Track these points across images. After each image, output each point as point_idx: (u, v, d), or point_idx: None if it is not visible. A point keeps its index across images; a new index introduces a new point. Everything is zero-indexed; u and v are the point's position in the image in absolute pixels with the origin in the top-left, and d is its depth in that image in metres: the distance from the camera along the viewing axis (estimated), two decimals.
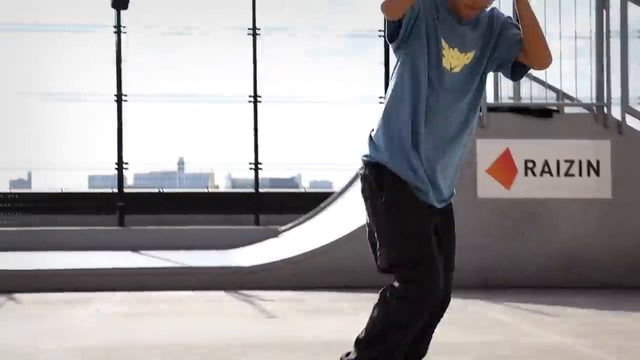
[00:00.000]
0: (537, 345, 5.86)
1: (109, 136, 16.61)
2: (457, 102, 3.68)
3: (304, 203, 14.17)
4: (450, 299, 3.90)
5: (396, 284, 3.59)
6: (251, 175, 16.79)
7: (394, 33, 3.60)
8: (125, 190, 17.17)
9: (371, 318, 3.66)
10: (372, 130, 3.79)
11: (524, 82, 10.79)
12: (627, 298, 8.58)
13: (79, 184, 18.19)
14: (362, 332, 3.67)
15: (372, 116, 3.98)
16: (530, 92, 10.72)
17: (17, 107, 17.21)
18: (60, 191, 17.92)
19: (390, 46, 3.72)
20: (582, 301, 8.30)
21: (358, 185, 3.93)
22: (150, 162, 17.19)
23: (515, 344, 5.93)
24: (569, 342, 6.00)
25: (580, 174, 9.93)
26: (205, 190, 17.58)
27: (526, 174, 9.92)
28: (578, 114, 10.54)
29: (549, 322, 7.00)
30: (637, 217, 9.81)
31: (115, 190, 16.37)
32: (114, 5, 16.13)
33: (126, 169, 16.74)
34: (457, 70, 3.67)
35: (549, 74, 10.26)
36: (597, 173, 9.90)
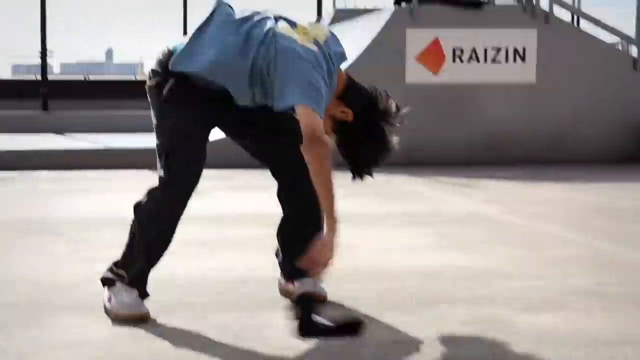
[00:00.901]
0: (455, 213, 6.06)
1: (35, 24, 16.19)
2: None
3: None
4: (306, 208, 3.51)
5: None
6: None
7: None
8: (50, 77, 16.82)
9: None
10: None
11: None
12: (543, 171, 8.88)
13: (1, 73, 17.66)
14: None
15: None
16: None
17: None
18: None
19: None
20: (502, 175, 8.55)
21: None
22: (78, 50, 16.79)
23: (434, 212, 6.11)
24: (484, 209, 6.21)
25: (507, 61, 10.09)
26: (133, 78, 17.25)
27: (454, 61, 10.04)
28: (507, 5, 10.66)
29: (468, 193, 7.22)
30: (557, 101, 10.11)
31: (40, 77, 16.02)
32: None
33: (50, 56, 16.36)
34: None
35: None
36: (523, 59, 10.08)
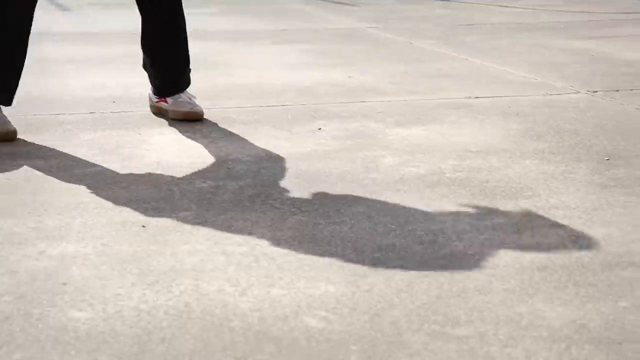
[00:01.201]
0: (335, 30, 6.05)
1: None
2: None
3: None
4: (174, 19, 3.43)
5: None
6: None
7: None
8: None
9: None
10: None
11: None
12: None
13: None
14: None
15: None
16: None
17: None
18: None
19: None
20: None
21: None
22: None
23: (314, 29, 6.08)
24: (364, 27, 6.22)
25: None
26: None
27: None
28: None
29: (348, 10, 7.19)
30: None
31: None
32: None
33: None
34: None
35: None
36: None
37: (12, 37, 3.10)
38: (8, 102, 3.18)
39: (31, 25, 3.12)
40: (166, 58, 3.38)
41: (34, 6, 3.10)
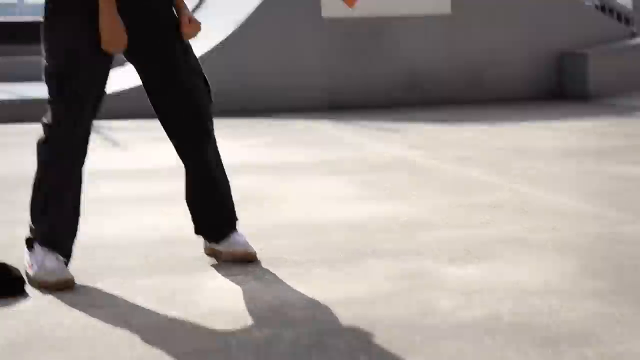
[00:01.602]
0: (379, 159, 6.08)
1: None
2: None
3: None
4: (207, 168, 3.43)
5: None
6: None
7: None
8: None
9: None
10: None
11: None
12: (463, 111, 8.98)
13: None
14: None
15: None
16: None
17: None
18: None
19: None
20: (423, 116, 8.62)
21: None
22: None
23: (358, 159, 6.13)
24: (408, 155, 6.25)
25: None
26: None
27: None
28: None
29: (389, 137, 7.25)
30: (474, 33, 10.19)
31: None
32: None
33: None
34: None
35: None
36: None
37: (63, 167, 3.15)
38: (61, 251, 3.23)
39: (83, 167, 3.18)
40: (209, 205, 3.43)
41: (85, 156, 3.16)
